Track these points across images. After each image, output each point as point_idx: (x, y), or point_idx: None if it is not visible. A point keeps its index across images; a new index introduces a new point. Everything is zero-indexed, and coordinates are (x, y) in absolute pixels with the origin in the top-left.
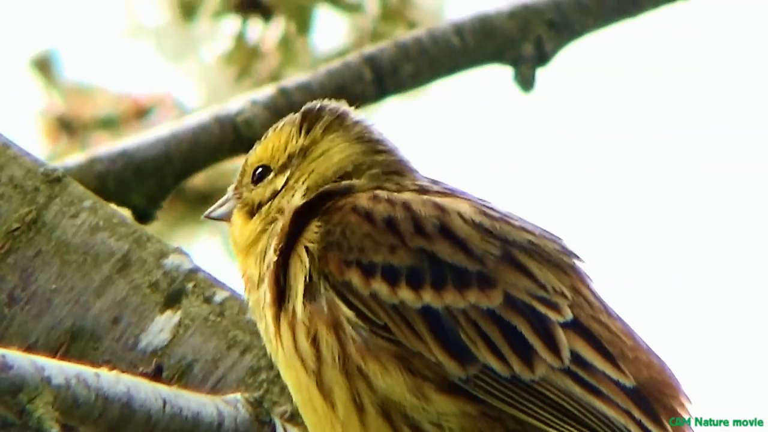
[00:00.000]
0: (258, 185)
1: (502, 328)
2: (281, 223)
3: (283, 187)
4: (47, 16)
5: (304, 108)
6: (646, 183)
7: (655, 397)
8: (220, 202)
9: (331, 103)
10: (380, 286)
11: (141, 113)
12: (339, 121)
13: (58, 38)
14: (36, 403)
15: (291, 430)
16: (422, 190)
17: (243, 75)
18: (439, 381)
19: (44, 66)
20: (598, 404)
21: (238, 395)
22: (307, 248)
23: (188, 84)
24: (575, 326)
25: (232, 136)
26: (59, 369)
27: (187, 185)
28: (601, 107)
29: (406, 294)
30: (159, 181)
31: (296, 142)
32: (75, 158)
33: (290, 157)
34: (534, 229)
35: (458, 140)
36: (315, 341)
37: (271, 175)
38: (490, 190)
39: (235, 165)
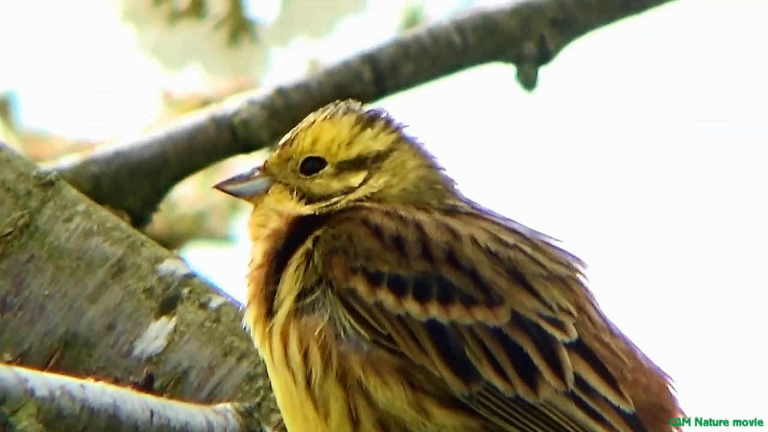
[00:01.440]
0: (313, 176)
1: (508, 347)
2: (275, 225)
3: (360, 185)
4: (5, 60)
5: (365, 110)
6: (649, 181)
7: (650, 423)
8: (243, 178)
9: (387, 111)
10: (386, 296)
11: None
12: (404, 132)
13: (17, 82)
14: (19, 415)
15: None
16: (448, 211)
17: None
18: (441, 395)
19: (3, 109)
20: (600, 431)
21: (228, 405)
22: (309, 254)
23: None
24: (579, 347)
25: (229, 137)
26: (43, 380)
27: (146, 230)
28: (604, 106)
29: (412, 306)
30: (155, 182)
31: (367, 144)
32: (69, 159)
33: (361, 158)
34: (547, 248)
35: (460, 140)
36: (307, 352)
37: (329, 167)
38: (492, 190)
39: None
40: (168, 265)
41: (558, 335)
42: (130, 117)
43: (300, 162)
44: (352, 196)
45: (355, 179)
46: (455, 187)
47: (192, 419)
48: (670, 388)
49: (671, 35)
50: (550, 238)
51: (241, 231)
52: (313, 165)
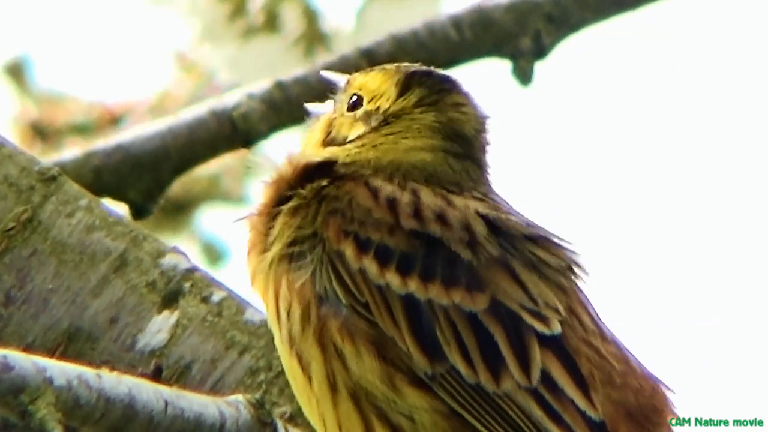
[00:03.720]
0: (346, 114)
1: (479, 334)
2: (283, 171)
3: (349, 141)
4: (20, 22)
5: (414, 67)
6: (643, 177)
7: (641, 424)
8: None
9: (440, 72)
10: (370, 264)
11: (113, 120)
12: (437, 97)
13: (31, 45)
14: (38, 404)
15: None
16: (453, 192)
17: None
18: (412, 374)
19: (17, 72)
20: (555, 431)
21: (239, 396)
22: (306, 205)
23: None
24: (558, 347)
25: (229, 130)
26: (61, 370)
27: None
28: (599, 101)
29: (392, 278)
30: (156, 175)
31: (389, 100)
32: (71, 152)
33: (376, 111)
34: (545, 241)
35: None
36: (290, 311)
37: (360, 111)
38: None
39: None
40: (170, 260)
41: (538, 326)
42: (144, 79)
43: (351, 95)
44: (338, 150)
45: (355, 131)
46: (480, 178)
47: (205, 410)
48: (663, 390)
49: (666, 31)
50: (557, 237)
51: (255, 192)
52: (354, 103)
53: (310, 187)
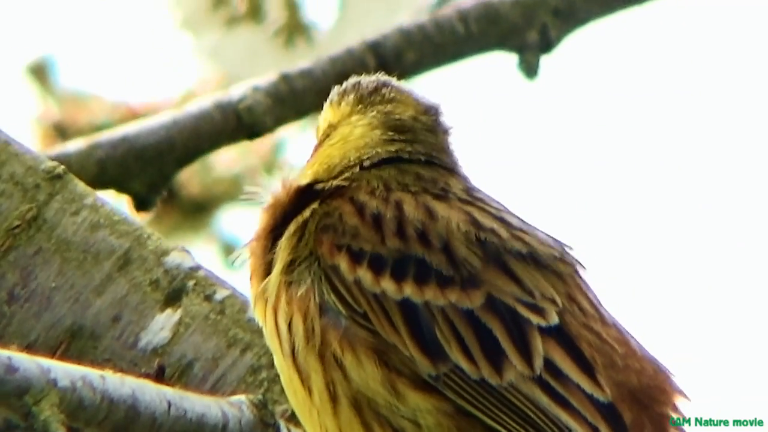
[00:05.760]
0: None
1: (478, 330)
2: (278, 194)
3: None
4: (44, 23)
5: (346, 82)
6: (649, 172)
7: (645, 405)
8: None
9: (372, 77)
10: (365, 274)
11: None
12: (368, 97)
13: (54, 45)
14: (42, 405)
15: (294, 431)
16: (438, 196)
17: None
18: (414, 377)
19: (40, 73)
20: (564, 417)
21: (242, 397)
22: (303, 227)
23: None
24: (558, 334)
25: (234, 123)
26: (65, 371)
27: (182, 192)
28: (605, 95)
29: (388, 284)
30: (160, 167)
31: (329, 118)
32: (76, 144)
33: (324, 135)
34: (534, 239)
35: (461, 128)
36: (291, 323)
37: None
38: (493, 178)
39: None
40: (174, 258)
41: (534, 319)
42: (168, 79)
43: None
44: (306, 171)
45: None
46: (449, 168)
47: (208, 411)
48: (666, 371)
49: (672, 25)
50: (547, 234)
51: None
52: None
53: (305, 211)
